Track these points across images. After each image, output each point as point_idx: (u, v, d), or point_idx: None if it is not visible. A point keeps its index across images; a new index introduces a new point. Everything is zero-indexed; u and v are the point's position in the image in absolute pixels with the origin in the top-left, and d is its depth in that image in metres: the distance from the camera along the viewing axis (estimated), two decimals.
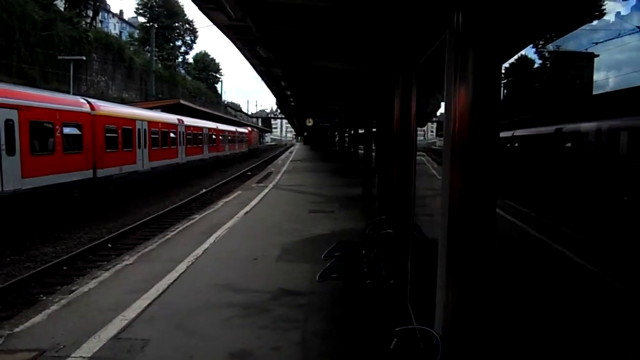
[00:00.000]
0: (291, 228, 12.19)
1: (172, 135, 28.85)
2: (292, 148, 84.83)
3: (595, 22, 3.14)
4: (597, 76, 3.16)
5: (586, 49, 3.14)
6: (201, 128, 36.31)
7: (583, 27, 3.19)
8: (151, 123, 25.57)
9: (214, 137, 40.25)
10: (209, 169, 37.64)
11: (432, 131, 7.83)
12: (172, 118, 29.67)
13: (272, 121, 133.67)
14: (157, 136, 26.27)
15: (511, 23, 3.31)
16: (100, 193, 19.30)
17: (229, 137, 47.89)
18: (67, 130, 16.96)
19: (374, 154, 17.56)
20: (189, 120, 33.09)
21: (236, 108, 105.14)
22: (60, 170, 16.32)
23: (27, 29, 33.62)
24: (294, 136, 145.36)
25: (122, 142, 21.60)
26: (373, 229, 8.16)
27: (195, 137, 34.20)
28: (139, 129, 23.64)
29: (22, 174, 13.96)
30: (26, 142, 14.24)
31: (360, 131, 27.62)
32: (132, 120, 23.13)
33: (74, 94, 25.27)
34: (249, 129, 66.34)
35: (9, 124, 13.48)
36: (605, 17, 3.03)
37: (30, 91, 16.56)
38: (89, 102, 19.16)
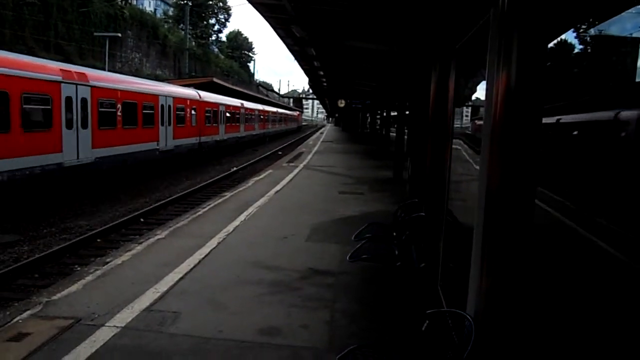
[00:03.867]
0: (321, 208, 12.22)
1: (276, 118, 59.01)
2: (323, 129, 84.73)
3: None
4: None
5: (630, 34, 3.01)
6: (282, 114, 66.05)
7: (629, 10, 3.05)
8: (282, 113, 65.02)
9: (285, 118, 69.65)
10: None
11: (466, 116, 7.69)
12: (273, 110, 57.09)
13: (304, 101, 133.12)
14: (265, 118, 50.26)
15: (556, 3, 3.19)
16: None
17: (291, 118, 79.28)
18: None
19: (405, 136, 17.40)
20: (281, 110, 66.41)
21: (268, 87, 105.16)
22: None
23: (65, 6, 34.18)
24: (325, 117, 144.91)
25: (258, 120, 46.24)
26: (404, 212, 8.12)
27: (279, 118, 62.58)
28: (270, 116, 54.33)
29: (173, 136, 23.95)
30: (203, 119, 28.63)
31: (392, 113, 27.40)
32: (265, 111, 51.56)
33: (109, 70, 26.23)
34: (298, 112, 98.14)
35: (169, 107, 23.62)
36: None
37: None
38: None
